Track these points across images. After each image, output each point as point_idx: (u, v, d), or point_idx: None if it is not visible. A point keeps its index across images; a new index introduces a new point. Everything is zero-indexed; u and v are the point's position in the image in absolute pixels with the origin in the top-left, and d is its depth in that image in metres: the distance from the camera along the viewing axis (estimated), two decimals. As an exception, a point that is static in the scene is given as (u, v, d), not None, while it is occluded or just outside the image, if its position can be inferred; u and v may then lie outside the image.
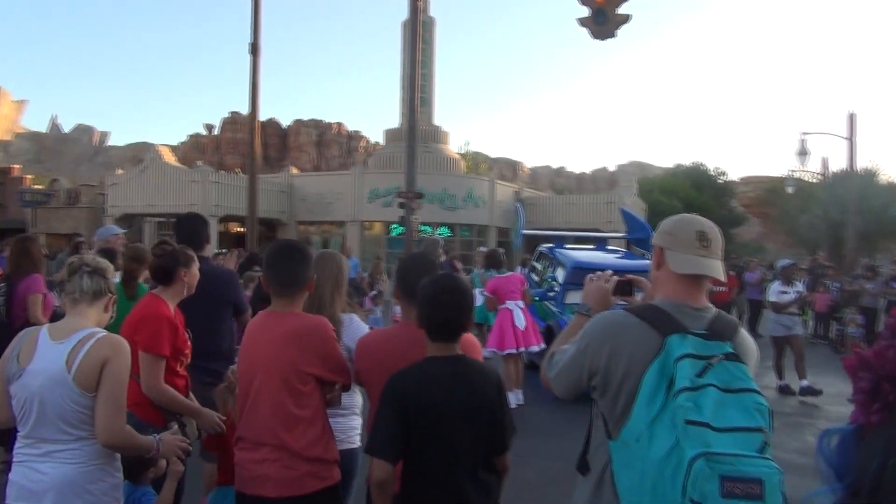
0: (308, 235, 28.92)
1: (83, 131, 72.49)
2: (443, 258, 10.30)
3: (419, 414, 2.24)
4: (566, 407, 7.17)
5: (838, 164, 30.70)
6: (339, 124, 57.27)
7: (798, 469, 4.56)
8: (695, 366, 1.73)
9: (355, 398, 3.23)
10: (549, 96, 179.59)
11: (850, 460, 0.87)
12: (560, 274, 9.61)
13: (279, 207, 28.34)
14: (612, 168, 70.36)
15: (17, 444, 2.46)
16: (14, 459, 2.45)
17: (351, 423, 3.22)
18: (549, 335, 8.39)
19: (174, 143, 56.32)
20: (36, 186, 33.63)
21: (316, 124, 55.96)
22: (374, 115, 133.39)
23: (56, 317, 4.18)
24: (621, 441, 1.80)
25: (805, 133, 22.63)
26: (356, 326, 3.09)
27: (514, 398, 7.52)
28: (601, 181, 65.13)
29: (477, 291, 7.34)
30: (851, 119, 21.86)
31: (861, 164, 27.72)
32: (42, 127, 73.25)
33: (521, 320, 7.96)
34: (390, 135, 31.85)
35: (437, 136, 31.26)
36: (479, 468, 2.32)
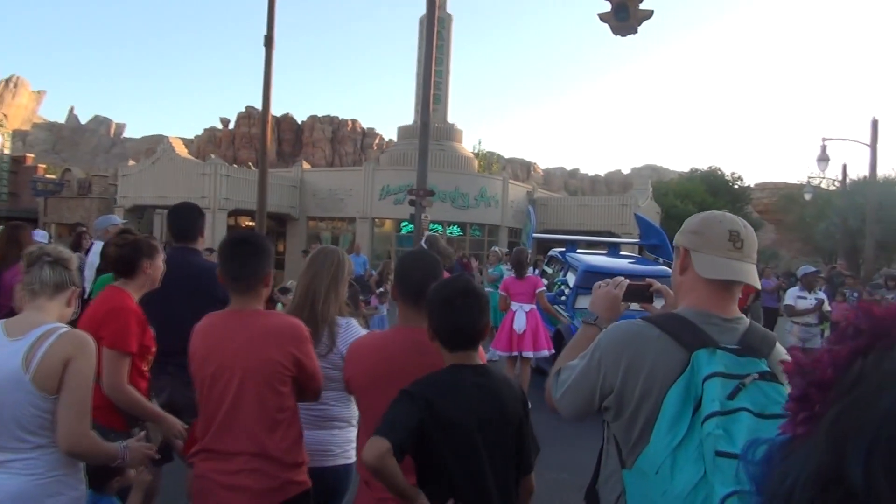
0: (318, 231, 28.80)
1: (100, 123, 73.14)
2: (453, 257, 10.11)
3: (443, 425, 1.96)
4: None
5: (857, 171, 30.27)
6: (354, 121, 57.26)
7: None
8: (725, 386, 1.51)
9: (353, 409, 2.98)
10: (565, 97, 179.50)
11: (771, 475, 0.71)
12: (571, 278, 9.46)
13: (290, 202, 28.20)
14: (626, 171, 70.10)
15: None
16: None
17: (348, 436, 2.97)
18: (558, 340, 8.20)
19: (190, 136, 56.48)
20: (49, 176, 33.76)
21: (331, 120, 55.95)
22: (389, 112, 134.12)
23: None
24: (637, 471, 1.57)
25: (826, 139, 22.18)
26: (353, 331, 2.87)
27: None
28: (615, 184, 64.84)
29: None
30: (874, 125, 21.43)
31: (882, 171, 27.31)
32: (60, 118, 73.96)
33: (520, 323, 7.74)
34: (404, 132, 31.63)
35: (450, 133, 31.02)
36: (504, 487, 2.05)
